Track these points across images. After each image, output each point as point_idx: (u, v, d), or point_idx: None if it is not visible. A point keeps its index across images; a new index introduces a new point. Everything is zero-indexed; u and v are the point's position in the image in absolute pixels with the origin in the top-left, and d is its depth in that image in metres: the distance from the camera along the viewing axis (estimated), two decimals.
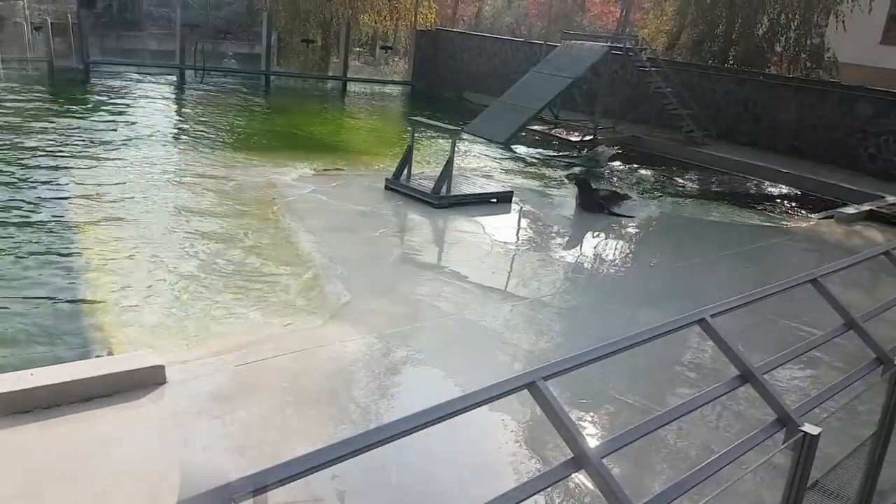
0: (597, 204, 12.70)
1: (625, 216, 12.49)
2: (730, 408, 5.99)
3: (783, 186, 16.67)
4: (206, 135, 15.92)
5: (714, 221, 13.22)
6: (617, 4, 37.40)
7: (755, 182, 17.02)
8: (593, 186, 13.26)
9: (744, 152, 18.87)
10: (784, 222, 13.49)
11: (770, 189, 16.62)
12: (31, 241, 8.53)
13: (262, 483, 1.67)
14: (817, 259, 11.31)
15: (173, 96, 21.56)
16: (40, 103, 17.56)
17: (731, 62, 23.51)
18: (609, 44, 20.62)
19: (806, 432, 2.71)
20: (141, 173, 11.85)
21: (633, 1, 31.84)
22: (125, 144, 13.84)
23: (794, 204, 15.26)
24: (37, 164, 11.72)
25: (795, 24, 22.96)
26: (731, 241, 11.78)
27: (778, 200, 15.62)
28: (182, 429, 4.89)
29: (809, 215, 14.15)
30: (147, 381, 5.23)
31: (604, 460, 2.15)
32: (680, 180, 16.62)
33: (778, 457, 3.02)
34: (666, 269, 10.07)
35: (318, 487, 4.27)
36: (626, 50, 20.40)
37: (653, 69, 20.05)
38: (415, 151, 12.50)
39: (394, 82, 29.40)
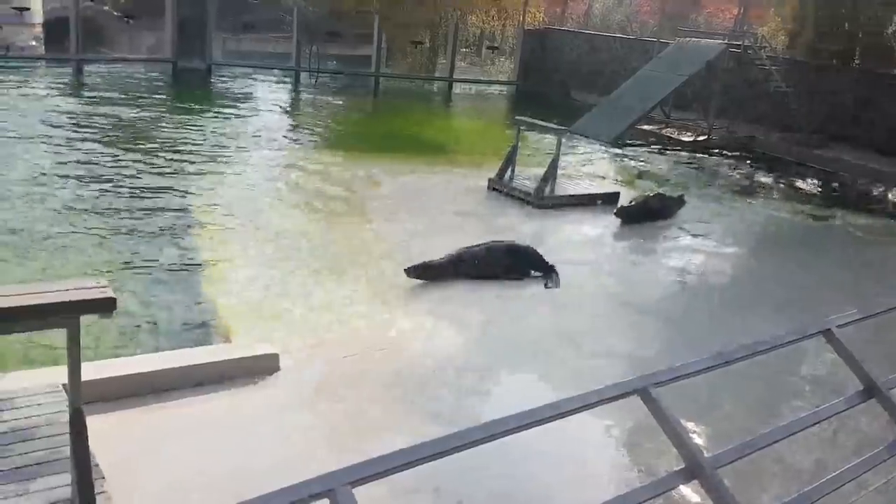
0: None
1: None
2: (845, 423, 5.69)
3: None
4: (318, 133, 16.44)
5: (833, 226, 12.55)
6: (734, 1, 36.02)
7: (878, 187, 16.03)
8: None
9: (866, 155, 17.79)
10: None
11: (894, 195, 15.64)
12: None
13: (366, 473, 1.73)
14: None
15: (290, 97, 22.40)
16: (169, 101, 18.62)
17: (856, 62, 22.20)
18: (726, 41, 19.91)
19: None
20: (258, 169, 12.37)
21: None
22: (250, 140, 14.51)
23: None
24: (170, 157, 12.39)
25: None
26: (852, 248, 11.16)
27: None
28: (293, 415, 5.10)
29: None
30: (262, 368, 5.50)
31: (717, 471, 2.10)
32: (797, 183, 15.87)
33: None
34: (782, 276, 9.64)
35: (421, 481, 4.35)
36: (744, 47, 19.65)
37: (773, 67, 19.21)
38: (519, 151, 12.45)
39: (500, 82, 29.35)
